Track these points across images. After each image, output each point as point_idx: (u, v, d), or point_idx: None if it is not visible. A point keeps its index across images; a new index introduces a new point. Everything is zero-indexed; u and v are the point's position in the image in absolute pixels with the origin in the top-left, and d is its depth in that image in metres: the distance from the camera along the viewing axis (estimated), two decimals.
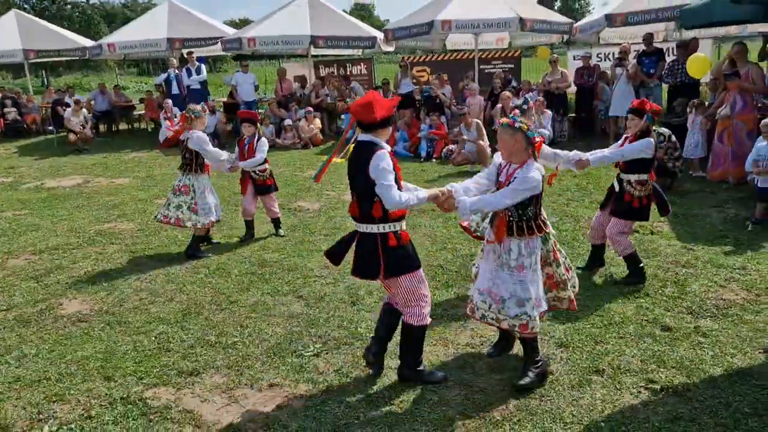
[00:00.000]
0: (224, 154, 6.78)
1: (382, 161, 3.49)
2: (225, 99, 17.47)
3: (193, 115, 6.58)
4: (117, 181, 11.23)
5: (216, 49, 17.64)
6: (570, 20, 14.05)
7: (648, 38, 11.38)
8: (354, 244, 3.77)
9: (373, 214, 3.59)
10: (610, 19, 12.34)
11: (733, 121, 8.38)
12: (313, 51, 15.78)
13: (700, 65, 9.46)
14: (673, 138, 8.24)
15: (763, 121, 6.73)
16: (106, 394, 3.92)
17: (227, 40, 15.84)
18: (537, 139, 3.71)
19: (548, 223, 3.97)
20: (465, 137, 10.46)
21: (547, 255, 3.99)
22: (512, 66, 16.15)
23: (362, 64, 17.93)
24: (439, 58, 16.36)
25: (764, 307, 4.76)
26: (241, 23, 42.51)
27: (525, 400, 3.64)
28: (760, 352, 4.07)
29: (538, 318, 3.69)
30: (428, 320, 3.82)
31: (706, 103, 9.88)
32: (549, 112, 11.65)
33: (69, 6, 58.19)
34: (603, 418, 3.44)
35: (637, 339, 4.35)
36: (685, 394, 3.64)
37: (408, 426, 3.45)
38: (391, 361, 4.05)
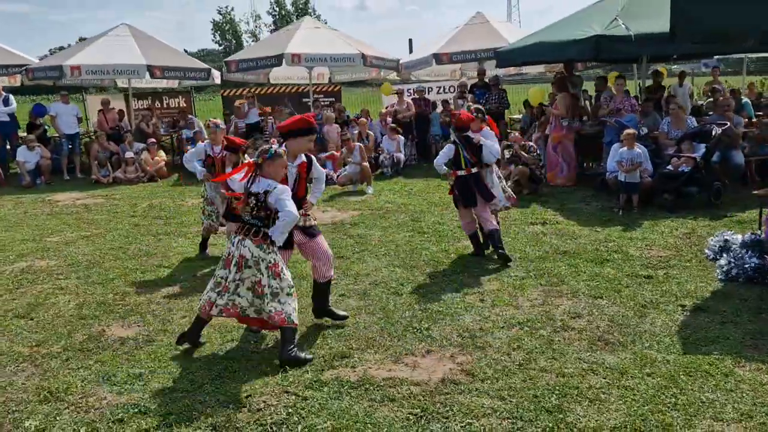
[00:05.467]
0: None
1: None
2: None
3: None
4: None
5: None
6: (397, 58, 15.86)
7: (481, 73, 13.63)
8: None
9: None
10: (438, 58, 14.39)
11: (549, 137, 10.74)
12: (123, 83, 15.12)
13: (539, 95, 11.82)
14: (539, 150, 10.28)
15: (624, 132, 8.96)
16: (288, 383, 4.08)
17: (38, 68, 14.43)
18: None
19: None
20: (350, 160, 11.38)
21: None
22: (333, 99, 17.43)
23: (180, 97, 17.60)
24: (267, 91, 16.91)
25: (690, 257, 6.61)
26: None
27: (620, 328, 4.81)
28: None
29: None
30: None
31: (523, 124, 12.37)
32: (401, 138, 13.17)
33: None
34: (679, 328, 4.76)
35: (638, 286, 5.80)
36: (706, 310, 5.13)
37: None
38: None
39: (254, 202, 4.34)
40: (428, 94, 16.22)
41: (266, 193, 4.30)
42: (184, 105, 17.53)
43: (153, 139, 14.07)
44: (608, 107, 10.63)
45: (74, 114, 14.35)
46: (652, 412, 3.56)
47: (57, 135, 14.71)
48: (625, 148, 8.87)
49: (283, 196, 4.28)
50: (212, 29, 79.75)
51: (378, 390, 3.95)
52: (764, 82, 19.46)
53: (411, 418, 3.61)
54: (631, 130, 8.97)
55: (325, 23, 72.32)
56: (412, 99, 14.40)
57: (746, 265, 5.80)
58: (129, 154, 13.65)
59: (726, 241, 6.43)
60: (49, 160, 13.70)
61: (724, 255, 6.07)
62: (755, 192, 7.57)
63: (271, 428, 3.57)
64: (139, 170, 13.59)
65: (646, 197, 9.12)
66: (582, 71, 14.91)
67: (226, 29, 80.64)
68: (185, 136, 14.98)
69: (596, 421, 3.49)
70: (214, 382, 4.15)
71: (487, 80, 14.37)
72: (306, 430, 3.52)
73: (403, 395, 3.86)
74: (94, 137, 14.52)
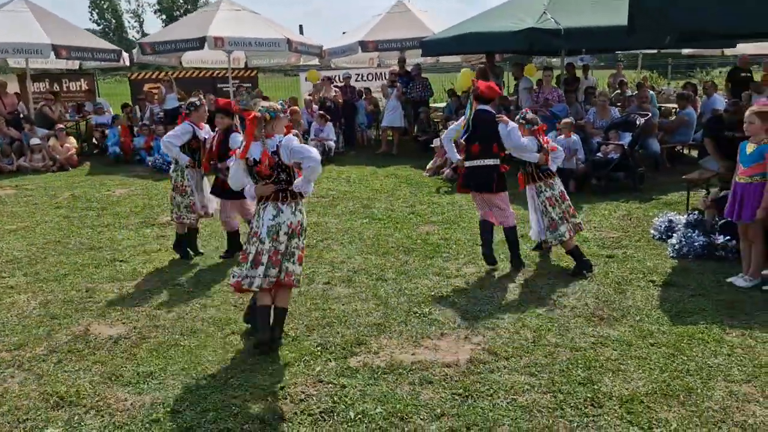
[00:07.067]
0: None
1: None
2: None
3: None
4: None
5: None
6: (320, 45, 15.66)
7: (402, 61, 13.78)
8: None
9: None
10: (364, 45, 14.40)
11: None
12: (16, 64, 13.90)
13: (467, 78, 12.15)
14: None
15: (563, 121, 9.46)
16: (317, 372, 4.04)
17: None
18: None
19: None
20: None
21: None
22: (249, 85, 16.96)
23: (83, 79, 16.43)
24: (181, 75, 16.14)
25: (638, 237, 7.13)
26: None
27: (606, 304, 5.14)
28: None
29: None
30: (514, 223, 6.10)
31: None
32: (330, 125, 13.10)
33: None
34: (659, 302, 5.17)
35: (604, 265, 6.19)
36: (674, 285, 5.59)
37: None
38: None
39: None
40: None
41: None
42: (87, 88, 16.40)
43: (61, 125, 13.07)
44: (536, 98, 11.14)
45: None
46: (672, 378, 3.87)
47: None
48: (563, 136, 9.38)
49: None
50: (89, 7, 74.84)
51: (412, 374, 4.00)
52: (651, 76, 21.29)
53: (456, 398, 3.70)
54: (569, 119, 9.50)
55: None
56: (338, 87, 14.32)
57: (695, 243, 6.36)
58: (35, 141, 12.59)
59: (670, 221, 7.01)
60: None
61: (674, 234, 6.63)
62: (684, 177, 8.29)
63: (322, 417, 3.53)
64: (47, 158, 12.59)
65: (579, 183, 9.72)
66: (500, 62, 15.50)
67: (105, 8, 75.90)
68: (96, 122, 14.05)
69: (627, 389, 3.75)
70: (238, 376, 4.02)
71: (408, 69, 14.58)
72: (359, 416, 3.51)
73: (440, 377, 3.94)
74: None
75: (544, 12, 10.62)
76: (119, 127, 13.10)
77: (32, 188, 10.80)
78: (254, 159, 4.20)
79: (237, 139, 6.14)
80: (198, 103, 6.62)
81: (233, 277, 4.30)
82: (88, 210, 9.12)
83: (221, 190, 6.34)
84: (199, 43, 13.12)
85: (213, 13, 14.03)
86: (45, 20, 13.77)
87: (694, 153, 11.99)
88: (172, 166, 6.62)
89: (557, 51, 11.92)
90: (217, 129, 6.45)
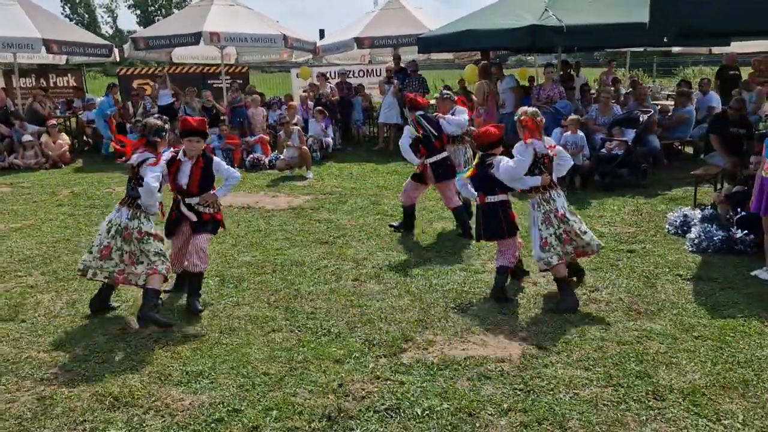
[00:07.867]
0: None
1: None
2: None
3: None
4: None
5: None
6: (314, 40, 15.56)
7: (397, 58, 13.75)
8: None
9: None
10: (359, 42, 14.33)
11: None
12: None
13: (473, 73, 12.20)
14: None
15: (569, 118, 9.53)
16: (371, 369, 4.01)
17: None
18: None
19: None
20: (290, 143, 11.06)
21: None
22: (241, 81, 16.75)
23: (70, 74, 16.07)
24: (169, 71, 15.85)
25: (653, 232, 7.22)
26: None
27: (640, 298, 5.19)
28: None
29: None
30: None
31: None
32: (329, 121, 13.02)
33: None
34: (692, 296, 5.23)
35: (627, 259, 6.26)
36: (701, 278, 5.67)
37: None
38: None
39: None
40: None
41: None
42: (75, 84, 16.06)
43: (53, 121, 12.78)
44: (537, 95, 11.20)
45: None
46: (725, 370, 3.93)
47: None
48: (569, 133, 9.46)
49: None
50: (62, 1, 73.22)
51: (467, 369, 4.00)
52: (637, 74, 21.59)
53: (518, 393, 3.70)
54: (575, 116, 9.57)
55: None
56: (336, 83, 14.23)
57: (715, 238, 6.46)
58: (27, 138, 12.30)
59: (686, 216, 7.11)
60: None
61: (693, 229, 6.72)
62: (692, 172, 8.44)
63: (387, 414, 3.50)
64: (40, 155, 12.31)
65: (584, 179, 9.80)
66: (494, 59, 15.55)
67: (78, 2, 74.36)
68: (87, 118, 13.76)
69: (683, 381, 3.79)
70: (291, 374, 3.97)
71: (403, 65, 14.56)
72: (426, 412, 3.49)
73: (496, 373, 3.94)
74: None
75: (546, 9, 10.67)
76: (113, 96, 12.77)
77: (28, 186, 10.56)
78: (543, 154, 5.15)
79: (222, 165, 5.16)
80: (168, 128, 5.05)
81: (549, 262, 5.06)
82: (91, 208, 8.95)
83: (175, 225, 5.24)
84: (195, 38, 12.92)
85: (208, 8, 13.82)
86: (34, 14, 13.46)
87: (689, 149, 12.22)
88: (126, 212, 4.85)
89: (555, 48, 12.02)
90: (182, 156, 5.00)
